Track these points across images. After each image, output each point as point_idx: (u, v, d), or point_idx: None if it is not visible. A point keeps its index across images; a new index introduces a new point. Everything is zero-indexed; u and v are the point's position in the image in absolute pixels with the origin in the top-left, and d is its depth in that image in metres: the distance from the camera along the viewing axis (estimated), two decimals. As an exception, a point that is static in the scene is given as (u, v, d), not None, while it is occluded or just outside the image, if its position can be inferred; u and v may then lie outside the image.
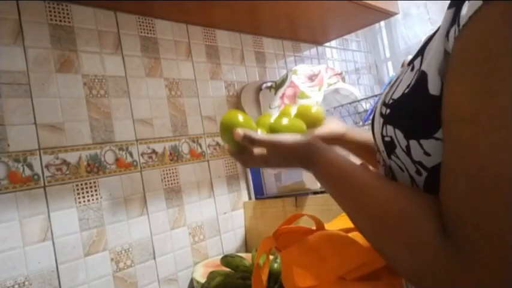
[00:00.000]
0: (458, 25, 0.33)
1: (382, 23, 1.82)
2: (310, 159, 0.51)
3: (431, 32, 0.55)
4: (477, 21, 0.32)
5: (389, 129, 0.42)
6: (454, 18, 0.34)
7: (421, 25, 1.64)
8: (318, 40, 1.57)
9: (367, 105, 1.10)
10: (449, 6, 0.36)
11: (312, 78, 1.10)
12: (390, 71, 1.91)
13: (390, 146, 0.43)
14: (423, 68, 0.38)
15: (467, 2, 0.33)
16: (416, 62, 0.41)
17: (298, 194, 1.03)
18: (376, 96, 1.06)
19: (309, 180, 1.00)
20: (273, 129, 0.60)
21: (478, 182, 0.31)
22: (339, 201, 0.48)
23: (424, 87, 0.37)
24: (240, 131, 0.53)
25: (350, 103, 1.12)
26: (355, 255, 0.56)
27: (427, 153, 0.38)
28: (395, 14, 1.35)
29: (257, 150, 0.56)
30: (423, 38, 0.55)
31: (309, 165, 0.52)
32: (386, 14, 1.34)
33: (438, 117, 0.36)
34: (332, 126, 0.66)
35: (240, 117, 0.56)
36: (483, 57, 0.31)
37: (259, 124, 0.63)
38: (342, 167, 0.48)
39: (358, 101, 1.10)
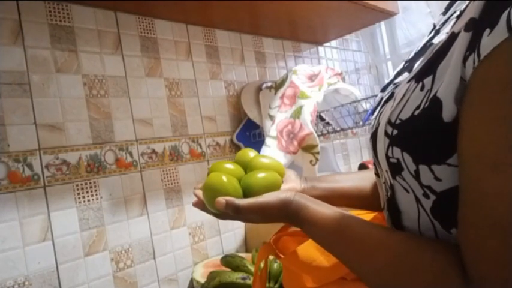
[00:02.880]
0: (479, 55, 0.31)
1: (382, 21, 1.81)
2: (298, 217, 0.49)
3: (433, 26, 0.54)
4: (501, 55, 0.29)
5: (397, 151, 0.40)
6: (473, 44, 0.32)
7: (421, 19, 1.62)
8: (318, 40, 1.57)
9: (367, 105, 1.10)
10: (467, 29, 0.33)
11: (312, 78, 1.10)
12: (390, 71, 1.91)
13: (396, 168, 0.41)
14: (438, 94, 0.36)
15: (488, 29, 0.30)
16: (427, 81, 0.38)
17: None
18: (376, 96, 1.06)
19: (309, 180, 1.00)
20: (246, 184, 0.54)
21: (506, 236, 0.30)
22: (339, 255, 0.47)
23: (438, 115, 0.35)
24: (221, 200, 0.50)
25: (350, 103, 1.11)
26: None
27: (437, 179, 0.37)
28: (395, 14, 1.35)
29: None
30: (424, 38, 0.55)
31: (298, 223, 0.50)
32: (387, 14, 1.33)
33: (452, 143, 0.35)
34: (290, 185, 0.61)
35: (224, 179, 0.52)
36: (508, 99, 0.29)
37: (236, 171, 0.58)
38: (337, 220, 0.47)
39: (358, 101, 1.10)
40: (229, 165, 0.59)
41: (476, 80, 0.32)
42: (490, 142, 0.31)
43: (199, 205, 0.57)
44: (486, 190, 0.32)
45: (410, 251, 0.39)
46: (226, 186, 0.52)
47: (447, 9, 0.54)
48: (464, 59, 0.33)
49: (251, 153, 0.63)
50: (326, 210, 0.49)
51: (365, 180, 0.65)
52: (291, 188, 0.60)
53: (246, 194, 0.53)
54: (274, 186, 0.55)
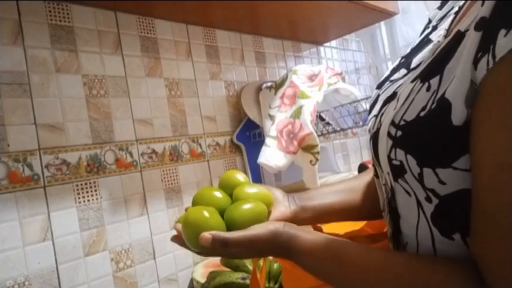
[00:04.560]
0: (494, 56, 0.30)
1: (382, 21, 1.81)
2: (290, 248, 0.47)
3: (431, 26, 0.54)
4: None
5: (400, 153, 0.39)
6: (485, 45, 0.31)
7: (420, 21, 1.63)
8: (318, 40, 1.57)
9: (367, 105, 1.10)
10: (477, 28, 0.32)
11: (312, 78, 1.10)
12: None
13: (399, 171, 0.40)
14: (447, 95, 0.34)
15: (504, 30, 0.29)
16: (433, 82, 0.37)
17: (298, 194, 1.03)
18: (376, 96, 1.05)
19: (309, 180, 1.00)
20: (230, 218, 0.51)
21: None
22: (337, 284, 0.45)
23: (447, 117, 0.34)
24: (207, 236, 0.45)
25: (350, 103, 1.11)
26: None
27: (442, 182, 0.36)
28: (395, 14, 1.35)
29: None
30: (421, 34, 0.54)
31: (289, 256, 0.47)
32: (387, 14, 1.33)
33: (459, 146, 0.34)
34: (280, 210, 0.58)
35: (206, 214, 0.49)
36: None
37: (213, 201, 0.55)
38: (332, 248, 0.44)
39: (358, 101, 1.10)
40: (217, 193, 0.54)
41: (491, 83, 0.30)
42: (507, 143, 0.30)
43: (180, 240, 0.53)
44: (507, 199, 0.31)
45: (418, 272, 0.38)
46: (209, 222, 0.48)
47: (443, 4, 0.53)
48: (476, 61, 0.32)
49: (239, 176, 0.58)
50: (318, 238, 0.46)
51: (354, 192, 0.62)
52: (280, 215, 0.56)
53: (230, 228, 0.50)
54: (260, 218, 0.51)
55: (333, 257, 0.44)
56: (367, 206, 0.59)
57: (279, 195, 0.60)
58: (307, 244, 0.46)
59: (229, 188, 0.57)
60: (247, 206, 0.51)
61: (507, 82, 0.30)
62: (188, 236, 0.49)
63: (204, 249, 0.48)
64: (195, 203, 0.56)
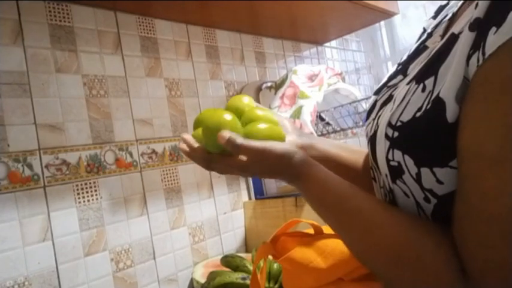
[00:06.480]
0: (484, 53, 0.30)
1: (382, 22, 1.82)
2: (300, 172, 0.46)
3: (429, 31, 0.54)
4: (507, 53, 0.29)
5: (397, 154, 0.39)
6: (477, 43, 0.32)
7: (419, 26, 1.63)
8: (318, 40, 1.57)
9: (367, 105, 1.10)
10: (471, 28, 0.33)
11: (312, 78, 1.10)
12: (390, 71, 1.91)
13: (397, 171, 0.40)
14: (441, 94, 0.35)
15: (494, 28, 0.30)
16: (428, 83, 0.38)
17: (298, 194, 1.03)
18: (376, 96, 1.05)
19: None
20: (249, 132, 0.49)
21: (505, 232, 0.30)
22: (335, 222, 0.45)
23: (442, 116, 0.35)
24: (225, 134, 0.44)
25: (350, 103, 1.11)
26: (352, 258, 0.56)
27: (440, 182, 0.36)
28: (395, 14, 1.35)
29: (239, 157, 0.48)
30: (416, 42, 0.55)
31: (297, 179, 0.47)
32: (387, 14, 1.34)
33: (455, 145, 0.34)
34: (290, 138, 0.56)
35: (228, 117, 0.48)
36: (511, 94, 0.29)
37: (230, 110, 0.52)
38: (338, 187, 0.44)
39: (358, 101, 1.10)
40: (226, 116, 0.50)
41: (479, 77, 0.31)
42: (490, 139, 0.31)
43: (188, 151, 0.52)
44: (485, 186, 0.31)
45: (413, 239, 0.38)
46: (232, 125, 0.47)
47: (437, 13, 0.54)
48: (468, 58, 0.32)
49: (245, 98, 0.55)
50: (331, 173, 0.46)
51: (360, 153, 0.63)
52: (291, 140, 0.54)
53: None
54: (279, 139, 0.50)
55: (340, 196, 0.44)
56: (365, 173, 0.58)
57: (288, 126, 0.57)
58: (319, 173, 0.45)
59: (235, 109, 0.54)
60: (265, 125, 0.49)
61: (494, 76, 0.30)
62: (207, 137, 0.48)
63: (218, 150, 0.47)
64: (198, 124, 0.53)
